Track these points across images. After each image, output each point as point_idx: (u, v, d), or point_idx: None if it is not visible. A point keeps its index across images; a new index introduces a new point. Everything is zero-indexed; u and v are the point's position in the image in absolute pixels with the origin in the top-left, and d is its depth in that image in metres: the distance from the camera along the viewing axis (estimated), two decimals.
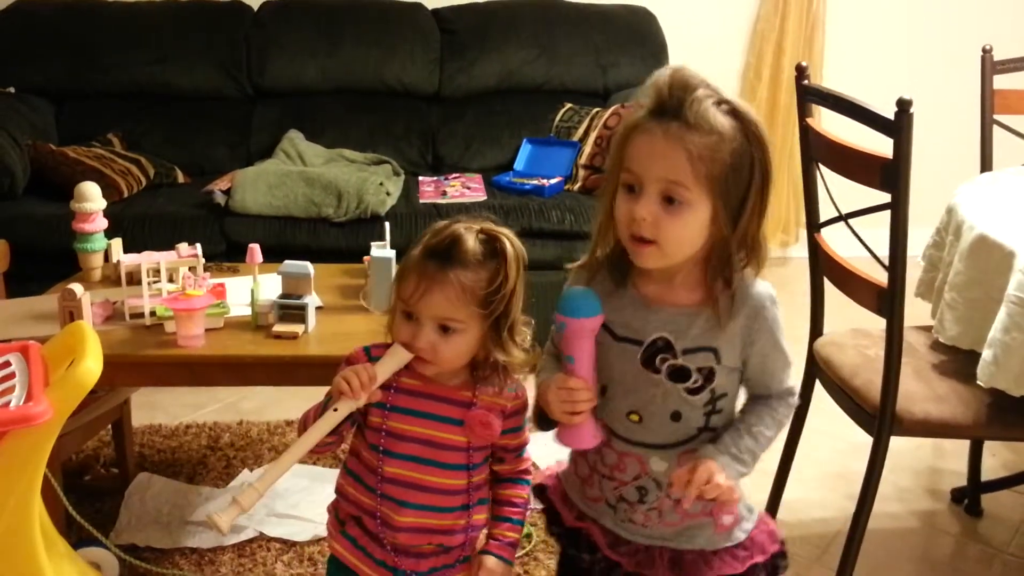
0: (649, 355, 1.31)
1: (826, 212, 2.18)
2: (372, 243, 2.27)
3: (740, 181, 1.23)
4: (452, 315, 1.34)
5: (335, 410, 1.34)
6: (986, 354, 1.86)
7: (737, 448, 1.32)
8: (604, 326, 1.33)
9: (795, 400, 1.39)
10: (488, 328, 1.37)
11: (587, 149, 3.43)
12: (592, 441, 1.34)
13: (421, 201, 3.27)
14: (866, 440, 2.04)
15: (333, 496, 1.51)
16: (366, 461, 1.43)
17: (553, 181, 3.35)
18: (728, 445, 1.32)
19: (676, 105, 1.22)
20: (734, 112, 1.23)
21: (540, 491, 1.53)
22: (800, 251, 4.28)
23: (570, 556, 1.44)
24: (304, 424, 1.39)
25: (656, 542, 1.39)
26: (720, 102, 1.23)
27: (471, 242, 1.35)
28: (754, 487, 2.50)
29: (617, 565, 1.39)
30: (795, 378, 1.41)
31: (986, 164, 2.63)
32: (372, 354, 1.41)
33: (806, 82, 2.18)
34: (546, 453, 1.60)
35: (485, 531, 1.49)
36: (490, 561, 1.45)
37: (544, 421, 1.38)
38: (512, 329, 1.38)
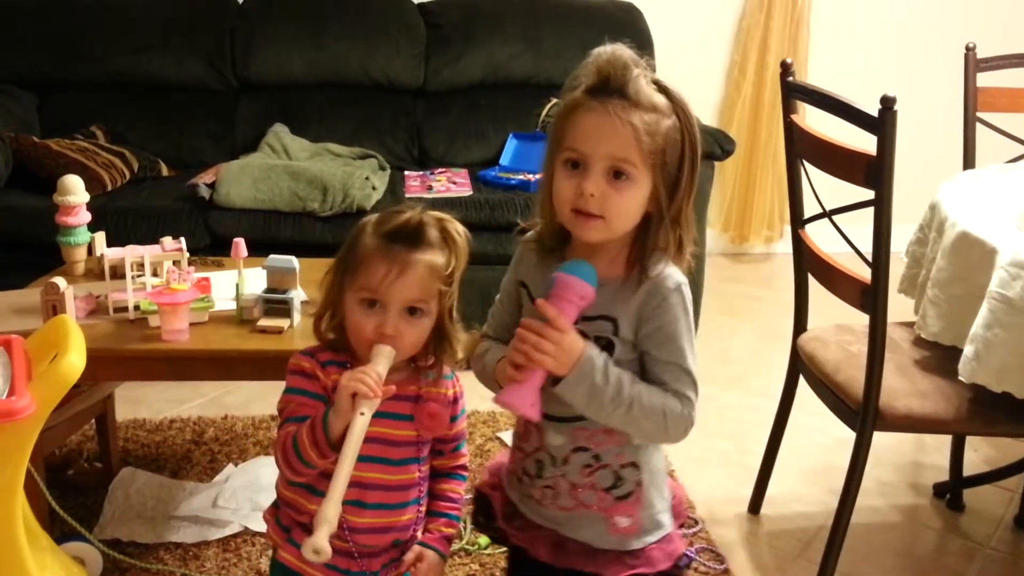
0: None
1: (810, 208, 2.19)
2: None
3: (674, 158, 1.27)
4: (422, 296, 1.36)
5: (362, 414, 1.29)
6: (968, 350, 1.88)
7: (607, 369, 1.28)
8: (528, 290, 1.39)
9: (688, 413, 1.31)
10: (440, 313, 1.39)
11: None
12: (526, 407, 1.27)
13: (407, 196, 3.27)
14: (849, 435, 2.05)
15: None
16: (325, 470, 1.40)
17: (539, 176, 3.35)
18: (606, 361, 1.28)
19: (619, 83, 1.25)
20: (665, 90, 1.28)
21: (491, 470, 1.56)
22: (784, 247, 4.32)
23: (478, 522, 1.50)
24: (285, 450, 1.35)
25: (546, 523, 1.41)
26: (653, 81, 1.27)
27: (432, 226, 1.38)
28: (739, 482, 2.53)
29: (506, 537, 1.45)
30: (693, 396, 1.33)
31: (969, 161, 2.65)
32: (320, 359, 1.41)
33: (791, 79, 2.19)
34: None
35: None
36: (429, 554, 1.46)
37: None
38: (454, 311, 1.42)
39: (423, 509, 1.48)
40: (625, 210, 1.28)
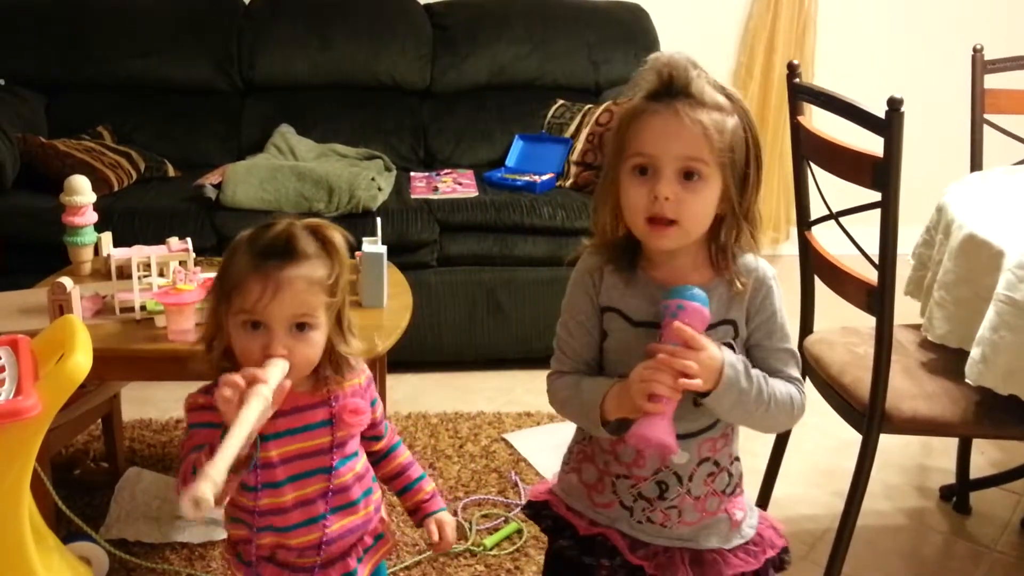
0: None
1: (817, 210, 2.19)
2: (364, 238, 2.27)
3: (741, 155, 1.26)
4: (307, 310, 1.30)
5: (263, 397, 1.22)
6: (974, 352, 1.87)
7: (748, 371, 1.28)
8: (621, 314, 1.32)
9: (803, 397, 1.35)
10: (331, 320, 1.35)
11: (579, 146, 3.43)
12: (669, 438, 1.22)
13: (413, 196, 3.27)
14: (855, 437, 2.05)
15: None
16: (250, 506, 1.38)
17: (545, 177, 3.36)
18: (745, 364, 1.29)
19: (683, 83, 1.24)
20: (724, 90, 1.27)
21: (539, 508, 1.49)
22: (791, 249, 4.29)
23: (587, 565, 1.39)
24: (186, 478, 1.26)
25: (675, 543, 1.38)
26: (710, 82, 1.26)
27: (304, 236, 1.32)
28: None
29: (640, 568, 1.37)
30: (802, 377, 1.38)
31: (976, 163, 2.64)
32: (209, 402, 1.32)
33: (797, 80, 2.18)
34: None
35: (406, 503, 1.53)
36: (441, 515, 1.50)
37: (611, 426, 1.30)
38: (345, 318, 1.38)
39: (377, 496, 1.49)
40: (700, 212, 1.26)
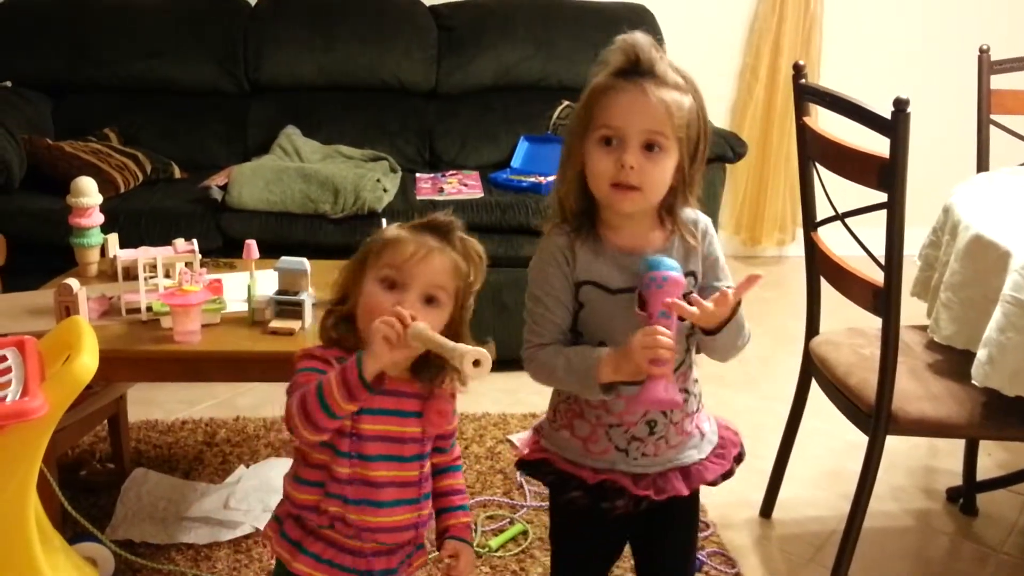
0: None
1: (823, 211, 2.19)
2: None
3: (694, 131, 1.40)
4: (444, 284, 1.37)
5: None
6: (981, 354, 1.87)
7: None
8: (597, 284, 1.43)
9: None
10: (454, 318, 1.40)
11: None
12: (675, 395, 1.36)
13: (418, 198, 3.27)
14: (861, 439, 2.04)
15: None
16: (333, 470, 1.39)
17: (550, 178, 3.35)
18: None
19: (648, 63, 1.36)
20: (680, 72, 1.40)
21: (537, 465, 1.56)
22: (797, 250, 4.30)
23: (603, 509, 1.48)
24: (305, 401, 1.30)
25: (666, 466, 1.51)
26: (670, 64, 1.39)
27: (459, 233, 1.42)
28: (750, 486, 2.52)
29: (645, 497, 1.48)
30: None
31: (982, 164, 2.63)
32: (328, 355, 1.38)
33: (803, 81, 2.18)
34: None
35: (439, 524, 1.52)
36: (464, 547, 1.49)
37: (609, 388, 1.41)
38: (466, 324, 1.44)
39: (430, 505, 1.49)
40: (660, 180, 1.39)
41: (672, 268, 1.37)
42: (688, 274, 1.44)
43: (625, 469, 1.49)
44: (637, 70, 1.36)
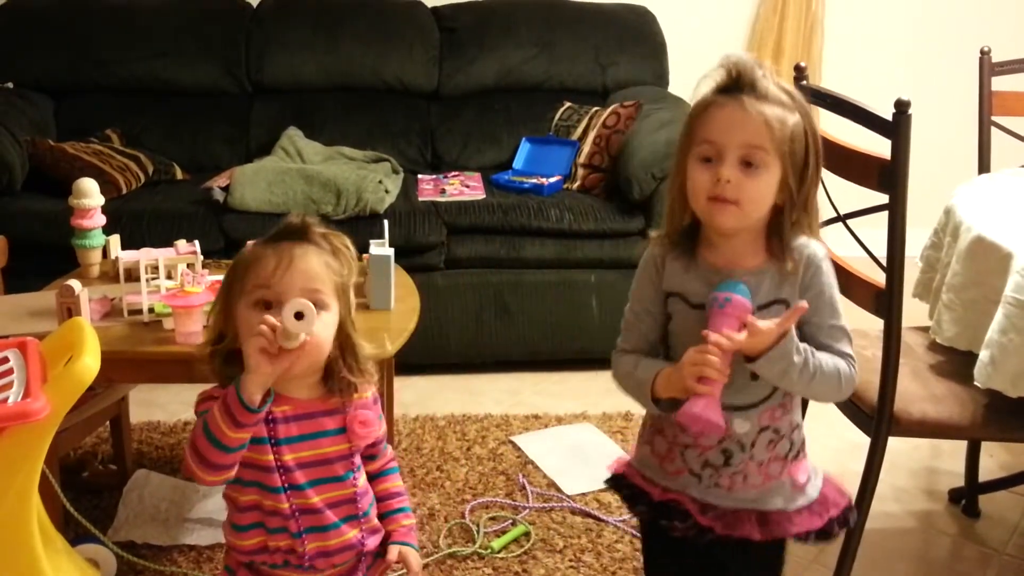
0: None
1: (824, 212, 2.18)
2: (371, 241, 2.27)
3: (801, 148, 1.36)
4: (319, 286, 1.32)
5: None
6: (983, 355, 1.87)
7: (797, 343, 1.37)
8: (680, 297, 1.43)
9: (854, 371, 1.44)
10: (342, 319, 1.37)
11: (586, 148, 3.43)
12: (716, 416, 1.33)
13: (420, 199, 3.27)
14: (864, 440, 2.04)
15: None
16: (269, 507, 1.38)
17: (552, 180, 3.36)
18: (794, 336, 1.37)
19: (749, 79, 1.35)
20: (786, 90, 1.38)
21: (617, 479, 1.59)
22: None
23: (662, 527, 1.49)
24: (195, 442, 1.30)
25: (741, 505, 1.47)
26: (775, 82, 1.37)
27: (317, 229, 1.37)
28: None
29: (709, 529, 1.46)
30: (853, 353, 1.46)
31: (984, 166, 2.63)
32: (223, 396, 1.33)
33: (805, 83, 2.18)
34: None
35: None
36: (408, 550, 1.48)
37: (662, 404, 1.42)
38: (351, 321, 1.40)
39: (374, 515, 1.48)
40: (758, 195, 1.36)
41: (738, 290, 1.35)
42: (777, 302, 1.41)
43: (695, 495, 1.48)
44: (738, 86, 1.36)
